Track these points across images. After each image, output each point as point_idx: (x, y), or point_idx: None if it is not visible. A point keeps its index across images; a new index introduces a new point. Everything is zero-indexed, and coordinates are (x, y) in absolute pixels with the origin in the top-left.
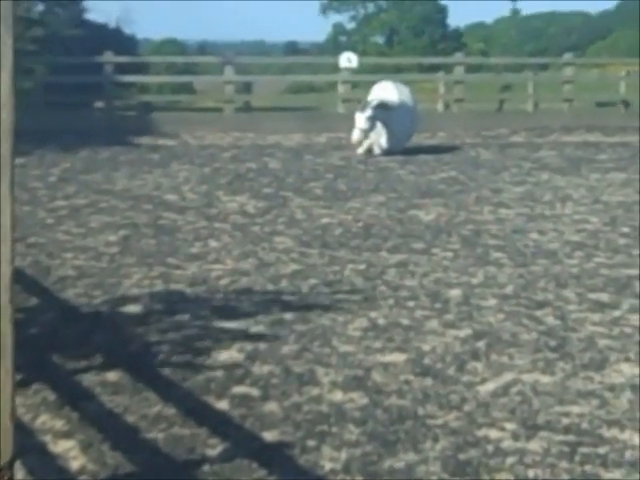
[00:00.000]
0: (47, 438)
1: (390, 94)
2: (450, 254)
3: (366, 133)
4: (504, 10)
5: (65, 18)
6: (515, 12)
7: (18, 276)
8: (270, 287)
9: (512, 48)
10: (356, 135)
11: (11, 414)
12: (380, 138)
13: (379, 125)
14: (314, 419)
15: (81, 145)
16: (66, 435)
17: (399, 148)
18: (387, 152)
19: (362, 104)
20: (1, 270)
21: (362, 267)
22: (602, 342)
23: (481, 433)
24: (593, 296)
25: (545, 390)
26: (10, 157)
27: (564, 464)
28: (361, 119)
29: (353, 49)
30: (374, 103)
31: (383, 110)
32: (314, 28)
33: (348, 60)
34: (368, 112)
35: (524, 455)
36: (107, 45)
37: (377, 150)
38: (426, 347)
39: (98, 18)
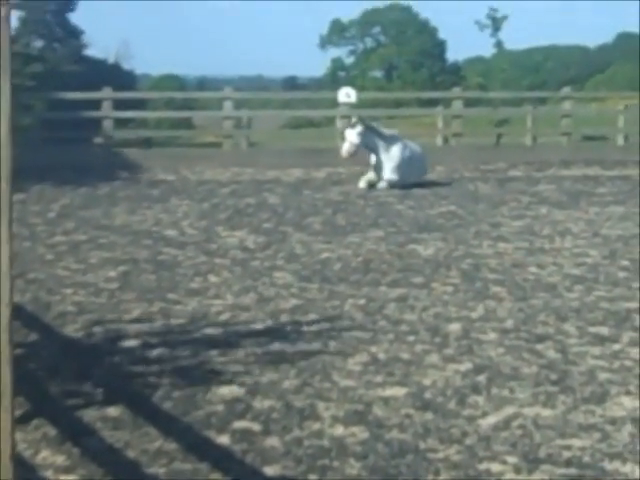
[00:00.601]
0: (48, 473)
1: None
2: (450, 288)
3: (357, 148)
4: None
5: (64, 54)
6: (499, 45)
7: (18, 312)
8: (270, 322)
9: (510, 82)
10: (346, 148)
11: (11, 453)
12: (381, 171)
13: (375, 158)
14: (315, 453)
15: (80, 181)
16: (67, 470)
17: (399, 181)
18: (392, 185)
19: (353, 122)
20: (0, 311)
21: (362, 302)
22: (603, 375)
23: (482, 467)
24: (593, 329)
25: (546, 423)
26: (9, 198)
27: None
28: (351, 133)
29: (352, 84)
30: (366, 122)
31: (375, 134)
32: (313, 63)
33: (347, 95)
34: (358, 128)
35: None
36: (106, 80)
37: (382, 184)
38: (427, 381)
39: (97, 54)
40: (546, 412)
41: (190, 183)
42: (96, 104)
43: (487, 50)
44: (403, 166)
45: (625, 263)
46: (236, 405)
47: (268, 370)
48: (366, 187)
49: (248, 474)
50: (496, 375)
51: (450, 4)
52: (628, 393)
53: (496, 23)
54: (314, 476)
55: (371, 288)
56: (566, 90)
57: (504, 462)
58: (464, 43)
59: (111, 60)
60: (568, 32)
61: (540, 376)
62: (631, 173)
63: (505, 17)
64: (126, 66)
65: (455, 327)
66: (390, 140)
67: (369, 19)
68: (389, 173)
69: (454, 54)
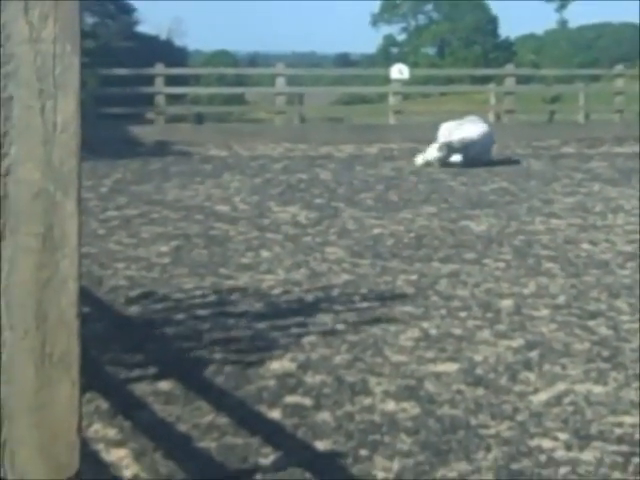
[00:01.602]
0: (100, 447)
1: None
2: (502, 264)
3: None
4: (553, 21)
5: (116, 30)
6: (563, 23)
7: None
8: (322, 297)
9: (563, 59)
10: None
11: (78, 428)
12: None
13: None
14: (366, 429)
15: (132, 156)
16: (119, 444)
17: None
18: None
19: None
20: (68, 286)
21: (414, 277)
22: None
23: (534, 443)
24: None
25: (598, 400)
26: (78, 172)
27: (617, 474)
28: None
29: (404, 60)
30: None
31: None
32: (365, 40)
33: (399, 72)
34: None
35: (577, 465)
36: (158, 57)
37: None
38: (478, 357)
39: (149, 30)
40: (598, 389)
41: (242, 158)
42: (149, 80)
43: (540, 27)
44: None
45: None
46: (287, 380)
47: (319, 345)
48: (423, 164)
49: (299, 449)
50: (548, 351)
51: None
52: None
53: (564, 1)
54: (365, 451)
55: (423, 264)
56: (619, 67)
57: (555, 439)
58: (517, 20)
59: (163, 36)
60: (621, 10)
61: (592, 353)
62: None
63: None
64: (178, 42)
65: (507, 303)
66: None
67: None
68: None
69: (507, 31)
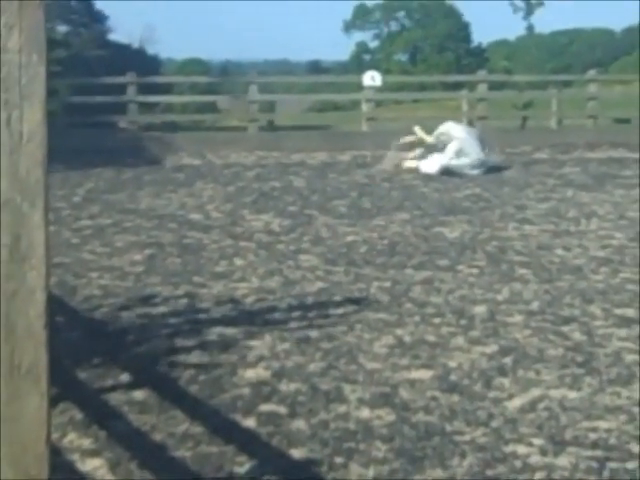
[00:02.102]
0: (75, 457)
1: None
2: (475, 271)
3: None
4: (519, 28)
5: (88, 39)
6: (530, 29)
7: None
8: (296, 305)
9: (535, 65)
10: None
11: (46, 439)
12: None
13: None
14: (341, 436)
15: (105, 165)
16: (94, 454)
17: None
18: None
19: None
20: (36, 297)
21: (387, 284)
22: (629, 357)
23: (509, 449)
24: (619, 311)
25: (572, 405)
26: (44, 183)
27: (592, 479)
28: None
29: (376, 67)
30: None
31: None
32: (337, 47)
33: (372, 78)
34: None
35: (552, 471)
36: (130, 65)
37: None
38: (452, 364)
39: (121, 38)
40: (572, 394)
41: (215, 167)
42: (121, 88)
43: (512, 33)
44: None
45: None
46: (262, 388)
47: (294, 353)
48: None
49: (274, 457)
50: (522, 357)
51: None
52: None
53: (530, 7)
54: (340, 459)
55: (397, 271)
56: (591, 73)
57: (530, 444)
58: (489, 26)
59: (135, 45)
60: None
61: (566, 358)
62: None
63: (541, 3)
64: (150, 50)
65: (481, 309)
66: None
67: (393, 3)
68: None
69: (479, 37)
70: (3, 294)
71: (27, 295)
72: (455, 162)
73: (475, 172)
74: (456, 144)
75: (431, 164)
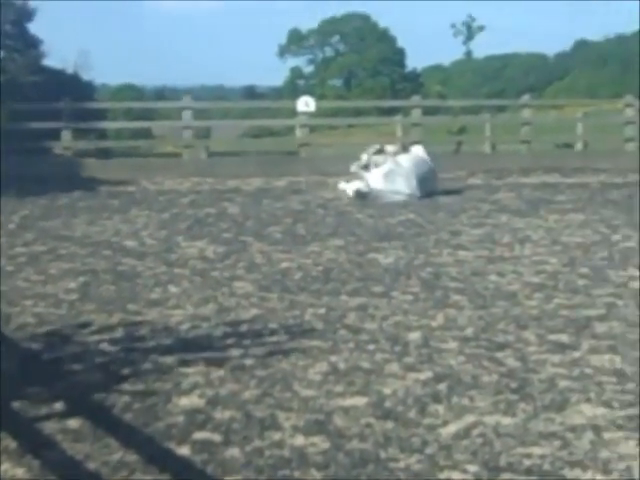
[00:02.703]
0: None
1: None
2: (410, 297)
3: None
4: (459, 52)
5: (23, 65)
6: (468, 54)
7: None
8: (230, 332)
9: (469, 90)
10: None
11: None
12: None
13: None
14: (276, 464)
15: (40, 192)
16: None
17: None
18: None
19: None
20: None
21: (322, 311)
22: (562, 383)
23: (443, 475)
24: (553, 337)
25: (506, 432)
26: None
27: None
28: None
29: (311, 93)
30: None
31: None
32: (272, 72)
33: (305, 104)
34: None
35: None
36: (65, 91)
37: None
38: (387, 390)
39: (56, 64)
40: (506, 420)
41: (150, 193)
42: (55, 114)
43: (447, 58)
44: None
45: (584, 270)
46: (196, 416)
47: (228, 380)
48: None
49: None
50: (456, 383)
51: (409, 11)
52: (588, 401)
53: (471, 32)
54: None
55: (331, 297)
56: (525, 98)
57: (465, 471)
58: (423, 51)
59: (70, 70)
60: (527, 40)
61: (500, 384)
62: (590, 180)
63: (482, 27)
64: (85, 76)
65: (415, 336)
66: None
67: (328, 28)
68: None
69: (413, 62)
70: None
71: None
72: (379, 187)
73: (398, 198)
74: (384, 169)
75: (351, 186)
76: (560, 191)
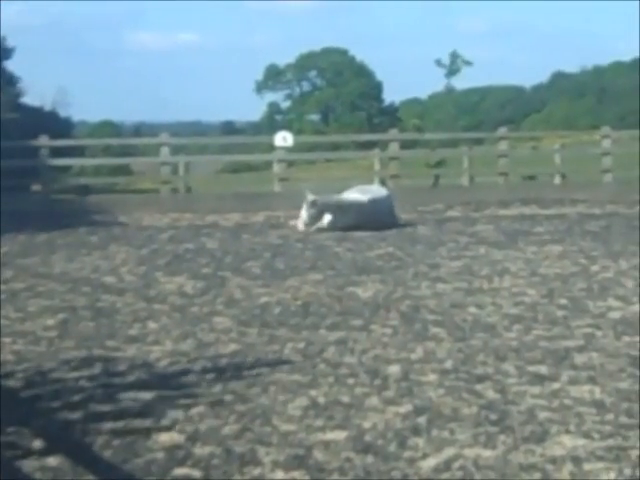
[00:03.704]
0: None
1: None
2: (389, 330)
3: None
4: (438, 86)
5: (1, 102)
6: (449, 89)
7: None
8: (210, 367)
9: (447, 123)
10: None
11: None
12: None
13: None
14: None
15: (18, 229)
16: None
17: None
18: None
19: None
20: None
21: (301, 345)
22: (542, 415)
23: None
24: (532, 369)
25: (487, 464)
26: None
27: None
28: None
29: (289, 127)
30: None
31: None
32: (250, 107)
33: (283, 139)
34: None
35: None
36: (43, 128)
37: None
38: (367, 424)
39: (34, 101)
40: (486, 453)
41: (128, 229)
42: (33, 152)
43: (424, 91)
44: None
45: (563, 302)
46: (176, 452)
47: (208, 416)
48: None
49: None
50: (436, 416)
51: (385, 45)
52: (568, 432)
53: (456, 66)
54: None
55: (310, 331)
56: (502, 130)
57: None
58: (401, 84)
59: (48, 107)
60: (504, 72)
61: (480, 416)
62: (568, 212)
63: (469, 63)
64: (63, 113)
65: (395, 369)
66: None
67: (305, 63)
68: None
69: (391, 95)
70: None
71: None
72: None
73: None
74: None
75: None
76: (538, 222)
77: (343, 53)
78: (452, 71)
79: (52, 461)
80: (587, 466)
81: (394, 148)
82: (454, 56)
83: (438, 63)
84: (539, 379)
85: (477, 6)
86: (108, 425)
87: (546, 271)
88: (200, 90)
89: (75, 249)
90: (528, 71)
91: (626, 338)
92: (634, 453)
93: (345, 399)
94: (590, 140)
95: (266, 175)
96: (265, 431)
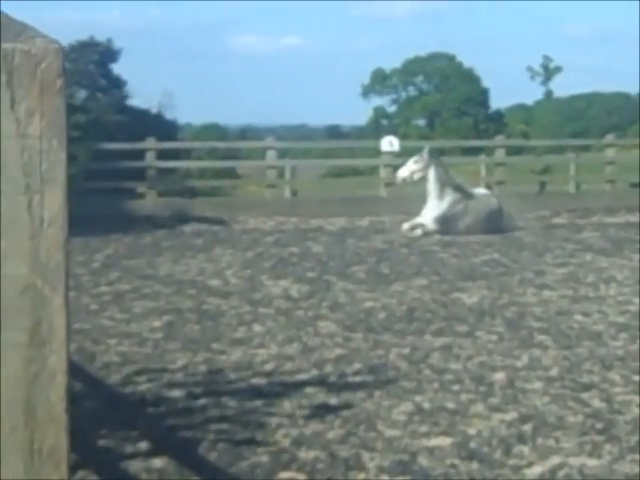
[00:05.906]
0: None
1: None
2: (494, 337)
3: (411, 174)
4: (539, 93)
5: (107, 104)
6: (548, 94)
7: None
8: (314, 372)
9: (553, 129)
10: (401, 171)
11: None
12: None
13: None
14: None
15: (124, 231)
16: None
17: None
18: (427, 232)
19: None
20: (57, 381)
21: (406, 351)
22: None
23: None
24: (638, 378)
25: (592, 473)
26: (65, 267)
27: None
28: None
29: (395, 132)
30: (435, 159)
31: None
32: (355, 112)
33: (390, 144)
34: (421, 158)
35: None
36: (149, 130)
37: (418, 231)
38: (472, 431)
39: (140, 104)
40: (592, 462)
41: (234, 232)
42: (140, 154)
43: (530, 98)
44: (449, 219)
45: None
46: (281, 455)
47: (313, 420)
48: (409, 229)
49: None
50: (541, 424)
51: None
52: None
53: (548, 73)
54: None
55: (415, 337)
56: (609, 137)
57: None
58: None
59: (154, 110)
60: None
61: (586, 425)
62: None
63: (559, 68)
64: (169, 116)
65: (500, 376)
66: (450, 189)
67: (411, 68)
68: (430, 222)
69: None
70: (24, 378)
71: (48, 379)
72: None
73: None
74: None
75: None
76: None
77: (450, 58)
78: (547, 77)
79: (158, 462)
80: None
81: (500, 154)
82: (546, 60)
83: (529, 70)
84: None
85: (583, 11)
86: (213, 428)
87: None
88: (305, 94)
89: (180, 251)
90: (634, 78)
91: None
92: None
93: (450, 405)
94: None
95: (371, 180)
96: (370, 436)
